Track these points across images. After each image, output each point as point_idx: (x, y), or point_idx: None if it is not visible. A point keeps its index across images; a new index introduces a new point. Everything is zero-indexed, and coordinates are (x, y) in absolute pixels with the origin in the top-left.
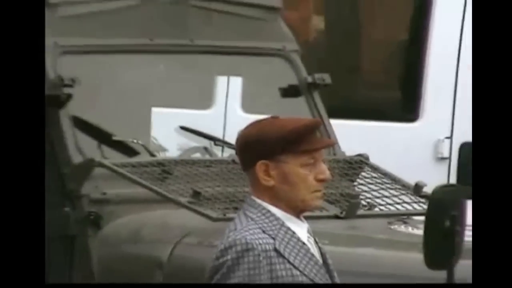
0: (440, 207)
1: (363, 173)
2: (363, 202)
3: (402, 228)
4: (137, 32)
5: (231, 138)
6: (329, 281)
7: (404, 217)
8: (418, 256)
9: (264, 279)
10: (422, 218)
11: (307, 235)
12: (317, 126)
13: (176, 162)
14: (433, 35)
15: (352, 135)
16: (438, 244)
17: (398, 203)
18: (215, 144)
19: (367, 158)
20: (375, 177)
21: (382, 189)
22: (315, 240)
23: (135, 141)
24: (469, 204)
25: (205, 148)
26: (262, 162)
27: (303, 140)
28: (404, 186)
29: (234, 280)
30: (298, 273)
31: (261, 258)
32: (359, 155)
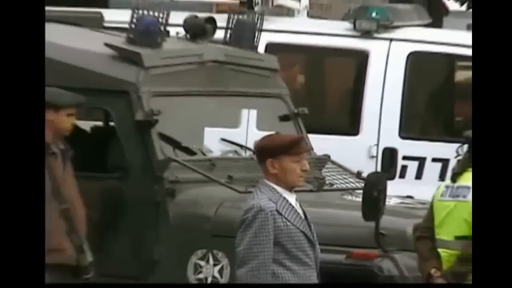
0: (371, 185)
1: (327, 165)
2: (327, 182)
3: (349, 197)
4: (195, 83)
5: (250, 145)
6: (308, 229)
7: (350, 191)
8: (358, 213)
9: (270, 228)
10: (361, 191)
11: (295, 201)
12: (301, 139)
13: (218, 159)
14: (367, 86)
15: (321, 144)
16: (370, 206)
17: (347, 183)
18: (241, 148)
19: (329, 157)
20: (334, 168)
21: (338, 174)
22: (299, 204)
23: (194, 146)
24: (387, 183)
25: (235, 151)
26: (270, 160)
27: (293, 147)
28: (351, 172)
29: (252, 228)
30: (289, 223)
31: (268, 216)
32: (325, 155)
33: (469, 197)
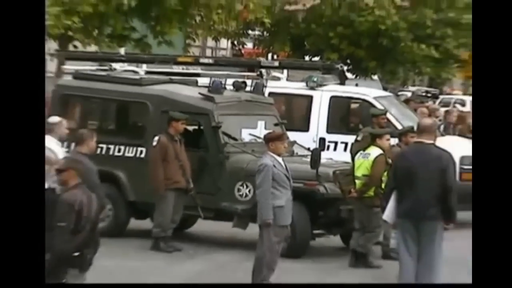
0: (314, 154)
1: (294, 145)
2: (295, 152)
3: (305, 158)
4: (237, 109)
5: (262, 136)
6: (287, 172)
7: (305, 156)
8: (308, 166)
9: (270, 173)
10: (309, 156)
11: (282, 161)
12: (284, 133)
13: (248, 142)
14: (312, 111)
15: (292, 135)
16: (313, 163)
17: (303, 152)
18: (258, 138)
19: (296, 141)
20: (298, 146)
21: (299, 149)
22: (284, 161)
23: (237, 137)
24: (321, 152)
25: (255, 139)
26: (270, 143)
27: (280, 137)
28: (305, 148)
29: (262, 173)
30: (279, 171)
31: (270, 168)
32: (294, 140)
33: (369, 158)
